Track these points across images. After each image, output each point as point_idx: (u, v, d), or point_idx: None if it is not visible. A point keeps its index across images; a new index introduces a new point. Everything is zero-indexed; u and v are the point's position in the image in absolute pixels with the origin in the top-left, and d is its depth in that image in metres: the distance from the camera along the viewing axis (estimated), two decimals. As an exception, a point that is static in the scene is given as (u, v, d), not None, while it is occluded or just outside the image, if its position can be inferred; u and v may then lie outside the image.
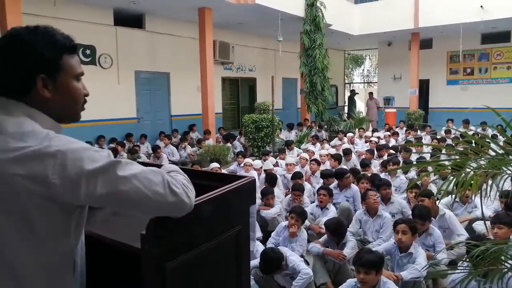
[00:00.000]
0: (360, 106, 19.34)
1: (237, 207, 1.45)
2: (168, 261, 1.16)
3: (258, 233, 4.26)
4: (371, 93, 16.70)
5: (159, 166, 1.42)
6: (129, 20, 10.14)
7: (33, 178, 0.94)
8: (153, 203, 1.03)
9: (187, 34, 11.03)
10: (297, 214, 3.95)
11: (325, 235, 3.90)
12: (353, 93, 19.04)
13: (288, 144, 9.04)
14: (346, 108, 19.26)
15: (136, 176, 1.01)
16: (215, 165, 6.05)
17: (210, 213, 1.27)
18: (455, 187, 2.02)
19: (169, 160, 8.45)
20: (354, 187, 5.39)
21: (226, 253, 1.43)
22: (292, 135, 11.84)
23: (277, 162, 7.25)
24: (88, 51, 9.12)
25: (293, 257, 3.36)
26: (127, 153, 8.36)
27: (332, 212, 4.63)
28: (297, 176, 5.71)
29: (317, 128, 12.44)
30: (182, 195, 1.07)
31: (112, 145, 8.85)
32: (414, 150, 6.70)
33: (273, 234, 4.11)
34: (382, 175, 5.85)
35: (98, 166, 0.98)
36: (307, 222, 4.39)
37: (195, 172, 1.63)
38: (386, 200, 4.72)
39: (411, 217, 3.90)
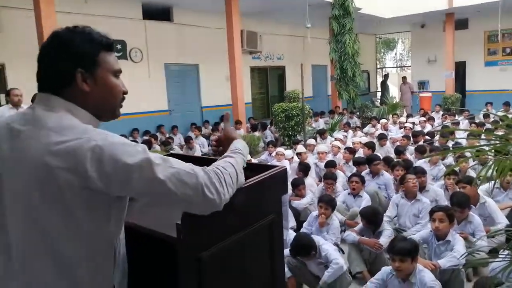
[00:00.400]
0: (394, 91, 18.85)
1: (270, 196, 1.45)
2: (203, 250, 1.19)
3: (292, 222, 4.26)
4: (404, 78, 16.22)
5: (190, 158, 1.43)
6: (157, 13, 10.26)
7: (73, 171, 0.98)
8: (182, 202, 1.07)
9: (215, 24, 11.03)
10: (326, 202, 3.92)
11: (361, 223, 3.85)
12: (386, 77, 18.55)
13: (322, 133, 8.92)
14: (378, 94, 18.83)
15: (170, 178, 1.04)
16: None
17: (243, 202, 1.27)
18: (495, 173, 1.93)
19: (201, 152, 8.55)
20: (386, 174, 5.29)
21: (260, 242, 1.43)
22: (321, 124, 11.67)
23: (314, 145, 7.29)
24: (119, 46, 9.33)
25: (326, 246, 3.34)
26: (160, 145, 8.53)
27: (365, 200, 4.55)
28: (330, 164, 5.66)
29: (349, 115, 12.23)
30: (212, 201, 1.08)
31: (145, 137, 9.05)
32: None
33: (305, 224, 4.09)
34: (421, 162, 5.69)
35: (134, 161, 1.01)
36: (341, 217, 4.34)
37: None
38: (421, 188, 4.59)
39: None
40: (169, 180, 1.03)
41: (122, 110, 1.26)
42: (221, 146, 1.45)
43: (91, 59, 1.13)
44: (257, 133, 10.01)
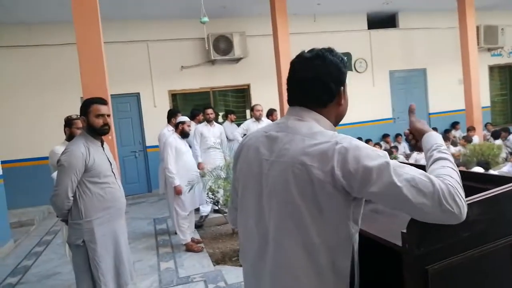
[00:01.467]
0: None
1: (512, 213, 1.28)
2: (430, 264, 1.15)
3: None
4: None
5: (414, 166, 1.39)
6: (382, 21, 10.19)
7: (323, 169, 1.13)
8: (416, 211, 1.07)
9: (445, 24, 10.18)
10: None
11: None
12: None
13: None
14: None
15: (406, 184, 1.07)
16: (478, 169, 5.36)
17: (478, 217, 1.19)
18: None
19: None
20: None
21: (499, 265, 1.29)
22: None
23: None
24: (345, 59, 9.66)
25: None
26: (385, 153, 8.37)
27: None
28: None
29: None
30: (452, 213, 1.06)
31: (369, 146, 9.06)
32: None
33: None
34: None
35: (374, 164, 1.09)
36: None
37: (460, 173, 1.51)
38: None
39: None
40: (405, 187, 1.06)
41: (347, 120, 1.39)
42: (416, 139, 1.46)
43: (345, 77, 1.31)
44: (496, 141, 8.65)
